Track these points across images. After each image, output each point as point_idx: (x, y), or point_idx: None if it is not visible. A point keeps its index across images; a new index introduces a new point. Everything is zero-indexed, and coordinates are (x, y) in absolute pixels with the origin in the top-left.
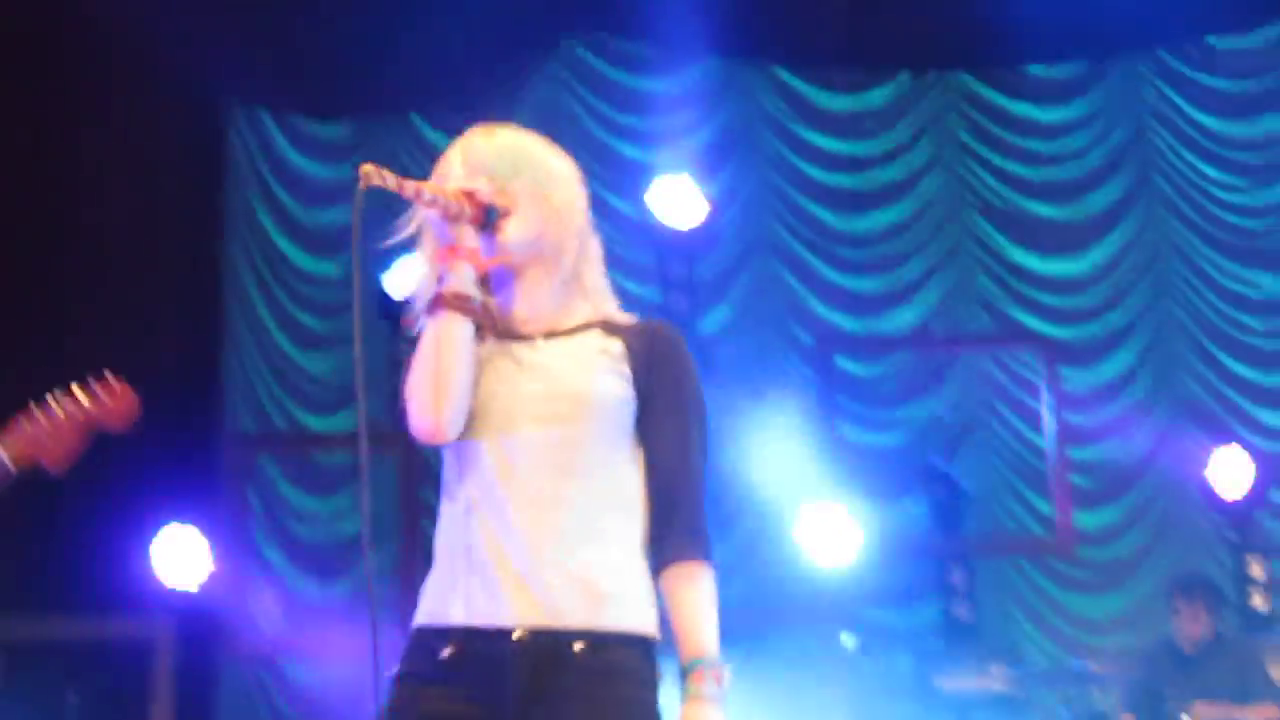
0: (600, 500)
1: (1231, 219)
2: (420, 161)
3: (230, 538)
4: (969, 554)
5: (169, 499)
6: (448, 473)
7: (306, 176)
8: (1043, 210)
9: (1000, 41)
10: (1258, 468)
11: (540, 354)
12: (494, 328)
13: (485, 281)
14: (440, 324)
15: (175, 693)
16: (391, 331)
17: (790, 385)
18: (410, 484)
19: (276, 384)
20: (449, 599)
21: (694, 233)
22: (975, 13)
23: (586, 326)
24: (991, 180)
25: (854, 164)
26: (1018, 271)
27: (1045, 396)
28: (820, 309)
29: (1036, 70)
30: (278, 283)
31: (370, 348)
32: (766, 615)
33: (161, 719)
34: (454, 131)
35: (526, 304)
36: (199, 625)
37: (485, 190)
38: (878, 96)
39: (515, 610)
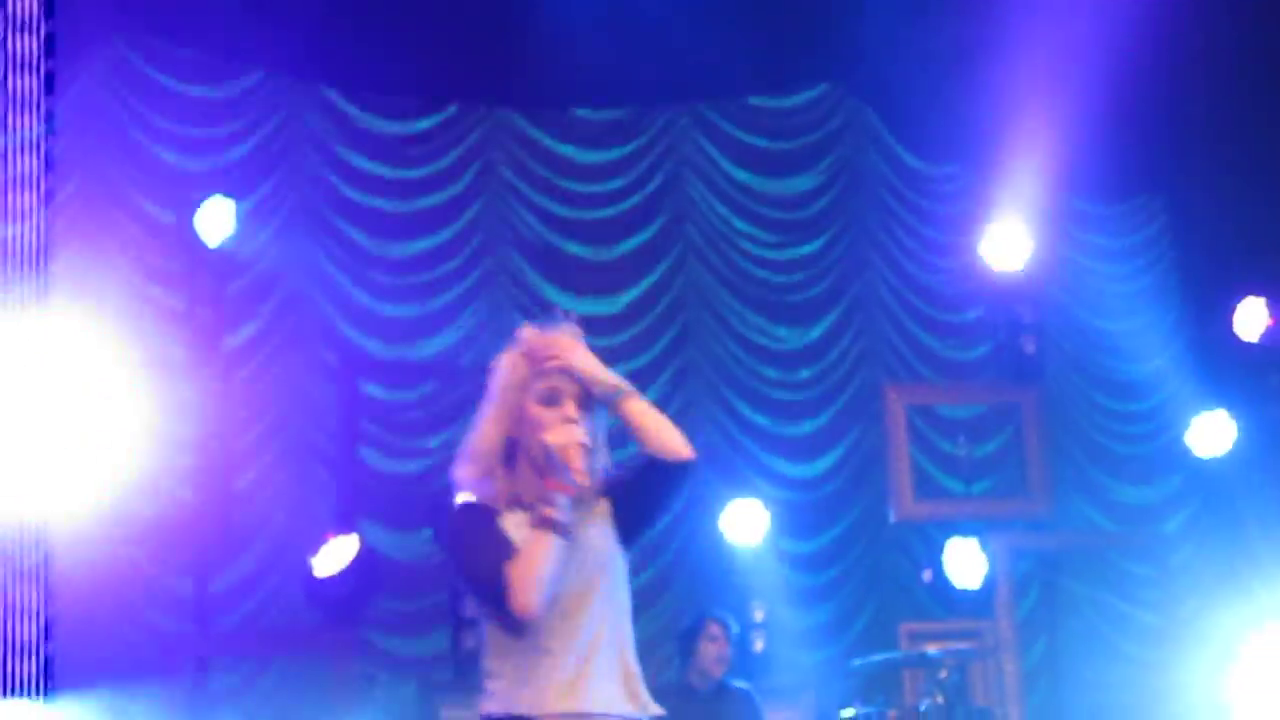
0: (629, 620)
1: (758, 272)
2: None
3: None
4: None
5: None
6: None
7: None
8: (578, 250)
9: (549, 82)
10: (768, 515)
11: (583, 528)
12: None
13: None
14: (551, 543)
15: None
16: None
17: (314, 408)
18: None
19: None
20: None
21: (229, 247)
22: (528, 52)
23: (598, 495)
24: (530, 217)
25: (395, 190)
26: (549, 308)
27: None
28: (350, 332)
29: (582, 113)
30: None
31: None
32: (277, 639)
33: None
34: None
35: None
36: None
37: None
38: (424, 125)
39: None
